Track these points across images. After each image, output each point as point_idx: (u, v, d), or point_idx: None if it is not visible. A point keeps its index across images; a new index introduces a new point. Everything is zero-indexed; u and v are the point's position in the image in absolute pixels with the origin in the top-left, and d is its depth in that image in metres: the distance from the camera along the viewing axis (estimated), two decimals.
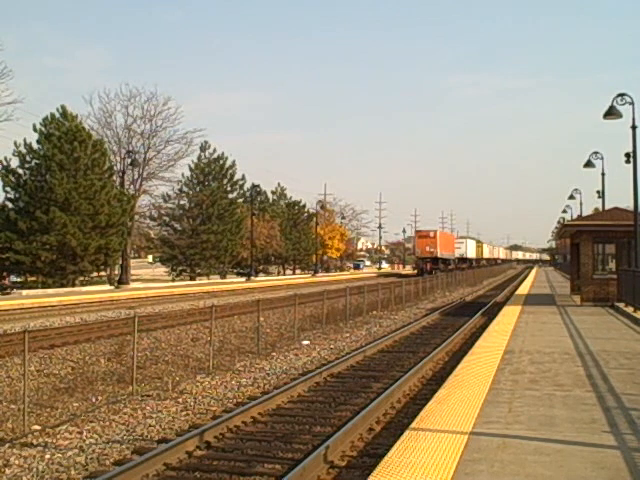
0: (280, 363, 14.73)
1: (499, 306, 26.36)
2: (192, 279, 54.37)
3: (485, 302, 32.64)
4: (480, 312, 25.81)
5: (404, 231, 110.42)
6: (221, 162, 59.49)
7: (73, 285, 39.78)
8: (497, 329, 15.91)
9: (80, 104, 50.24)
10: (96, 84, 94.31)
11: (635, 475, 5.16)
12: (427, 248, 68.33)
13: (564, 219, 60.25)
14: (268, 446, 8.30)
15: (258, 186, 64.48)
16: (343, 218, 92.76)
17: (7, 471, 7.46)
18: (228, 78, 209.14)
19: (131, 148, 49.07)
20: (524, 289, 36.80)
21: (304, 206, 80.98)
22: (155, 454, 7.49)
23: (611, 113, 20.76)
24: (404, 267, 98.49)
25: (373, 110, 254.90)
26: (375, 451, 7.91)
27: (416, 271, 69.77)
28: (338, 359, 14.74)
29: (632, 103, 20.80)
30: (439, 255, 69.01)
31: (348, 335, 19.74)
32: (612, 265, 24.27)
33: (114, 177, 46.32)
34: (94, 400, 11.05)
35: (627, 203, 28.16)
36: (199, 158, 58.23)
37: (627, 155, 24.83)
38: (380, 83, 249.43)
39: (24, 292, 33.25)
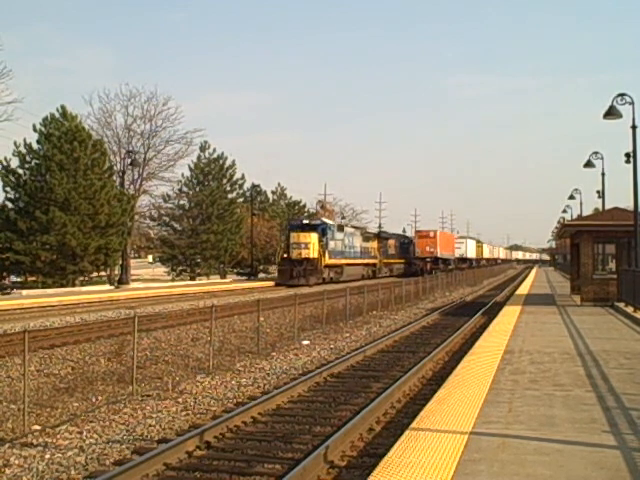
0: (280, 363, 14.73)
1: (499, 306, 26.37)
2: (192, 279, 54.40)
3: (485, 302, 32.64)
4: (480, 312, 25.82)
5: (404, 231, 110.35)
6: (221, 162, 59.54)
7: (73, 285, 39.78)
8: (497, 329, 15.92)
9: (80, 104, 50.30)
10: (97, 84, 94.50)
11: (635, 475, 5.16)
12: (427, 248, 68.29)
13: (564, 219, 60.29)
14: (268, 446, 8.30)
15: (258, 186, 64.58)
16: (343, 218, 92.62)
17: (7, 471, 7.46)
18: (228, 78, 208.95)
19: (131, 148, 49.15)
20: (524, 289, 36.81)
21: (304, 206, 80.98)
22: (155, 454, 7.48)
23: (611, 113, 20.77)
24: None
25: (373, 110, 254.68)
26: (375, 451, 7.91)
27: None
28: (338, 359, 14.74)
29: (632, 103, 20.82)
30: (439, 255, 68.99)
31: (348, 335, 19.74)
32: (612, 265, 24.29)
33: (114, 177, 46.39)
34: (94, 400, 11.05)
35: (627, 203, 28.21)
36: (199, 158, 58.34)
37: (627, 155, 24.83)
38: (380, 83, 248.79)
39: (24, 292, 33.25)
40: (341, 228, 50.71)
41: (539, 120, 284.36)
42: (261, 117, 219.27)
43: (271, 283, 45.26)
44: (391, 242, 67.04)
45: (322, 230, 45.98)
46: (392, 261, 65.66)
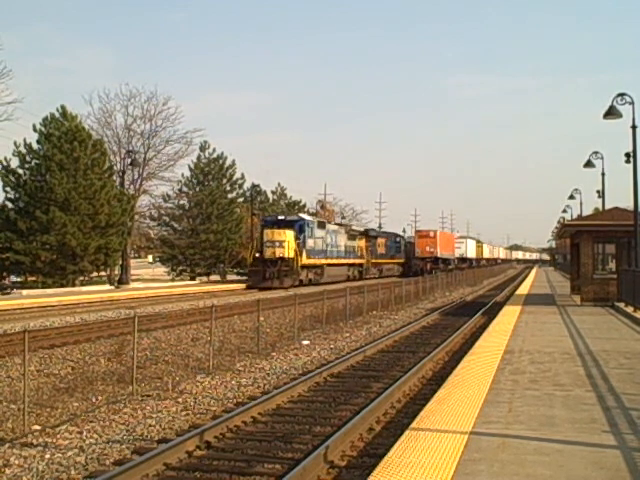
0: (280, 363, 14.73)
1: (499, 306, 26.37)
2: (192, 279, 54.39)
3: (485, 302, 32.65)
4: (480, 312, 25.82)
5: (404, 231, 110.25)
6: (220, 162, 59.55)
7: (73, 285, 39.79)
8: (497, 329, 15.92)
9: (80, 104, 50.30)
10: (97, 84, 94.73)
11: (635, 475, 5.16)
12: (427, 248, 68.30)
13: (564, 219, 60.28)
14: (268, 446, 8.30)
15: (258, 186, 64.42)
16: (343, 218, 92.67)
17: (7, 471, 7.46)
18: (228, 78, 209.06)
19: (131, 148, 49.14)
20: (524, 289, 36.82)
21: (304, 206, 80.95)
22: (155, 454, 7.48)
23: (611, 113, 20.78)
24: None
25: (373, 110, 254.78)
26: (375, 451, 7.91)
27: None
28: (338, 359, 14.74)
29: (632, 103, 20.83)
30: (439, 255, 68.99)
31: (348, 335, 19.74)
32: (612, 265, 24.30)
33: (114, 177, 46.39)
34: (94, 400, 11.05)
35: (627, 203, 28.20)
36: (199, 158, 58.34)
37: (627, 155, 24.83)
38: (380, 83, 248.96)
39: (24, 292, 33.26)
40: (322, 225, 46.59)
41: (539, 120, 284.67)
42: (261, 117, 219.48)
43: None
44: (381, 241, 62.54)
45: (299, 227, 41.99)
46: (382, 261, 61.68)
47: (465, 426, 6.61)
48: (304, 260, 41.30)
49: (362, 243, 55.52)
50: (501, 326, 16.49)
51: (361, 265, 54.56)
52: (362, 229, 60.84)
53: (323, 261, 45.26)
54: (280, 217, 43.90)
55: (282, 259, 39.52)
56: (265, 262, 39.58)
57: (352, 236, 52.95)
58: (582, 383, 8.94)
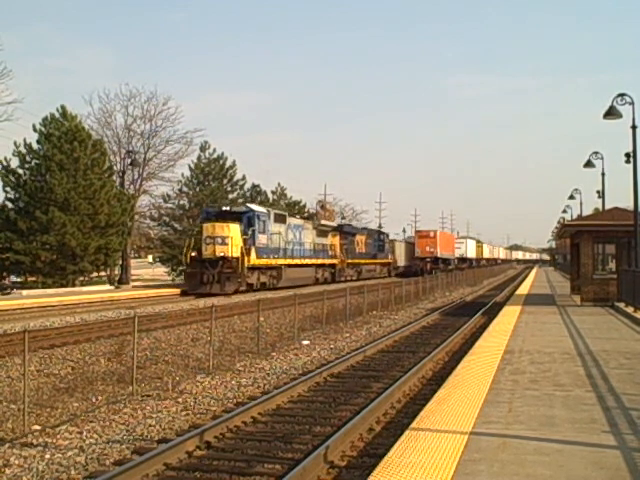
0: (280, 363, 14.73)
1: (499, 306, 26.37)
2: None
3: (485, 302, 32.65)
4: (480, 312, 25.82)
5: (404, 231, 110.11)
6: (221, 162, 59.54)
7: (73, 285, 39.75)
8: (497, 329, 15.92)
9: (80, 104, 50.28)
10: (97, 84, 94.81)
11: (635, 475, 5.16)
12: (427, 248, 68.37)
13: (564, 219, 60.29)
14: (268, 446, 8.30)
15: (258, 186, 64.53)
16: (343, 218, 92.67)
17: (7, 471, 7.46)
18: (228, 78, 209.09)
19: (131, 148, 49.12)
20: (524, 289, 36.82)
21: (304, 206, 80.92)
22: (155, 454, 7.48)
23: (611, 113, 20.79)
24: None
25: (373, 110, 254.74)
26: (375, 451, 7.91)
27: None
28: (338, 359, 14.74)
29: (632, 103, 20.84)
30: (439, 255, 69.04)
31: (348, 335, 19.75)
32: (612, 265, 24.30)
33: (114, 177, 46.36)
34: (94, 400, 11.05)
35: (627, 203, 28.21)
36: (199, 158, 58.27)
37: (627, 155, 24.84)
38: (380, 83, 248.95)
39: (24, 292, 33.22)
40: (281, 218, 38.93)
41: (539, 120, 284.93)
42: (261, 117, 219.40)
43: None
44: (360, 238, 54.90)
45: (248, 219, 34.54)
46: (362, 261, 54.31)
47: (465, 426, 6.62)
48: (253, 260, 33.86)
49: (335, 240, 48.34)
50: (501, 326, 16.49)
51: (333, 266, 47.47)
52: (335, 224, 54.18)
53: (281, 261, 37.67)
54: (224, 208, 36.65)
55: (224, 259, 32.39)
56: (203, 263, 32.66)
57: (322, 232, 45.78)
58: (582, 383, 8.94)
